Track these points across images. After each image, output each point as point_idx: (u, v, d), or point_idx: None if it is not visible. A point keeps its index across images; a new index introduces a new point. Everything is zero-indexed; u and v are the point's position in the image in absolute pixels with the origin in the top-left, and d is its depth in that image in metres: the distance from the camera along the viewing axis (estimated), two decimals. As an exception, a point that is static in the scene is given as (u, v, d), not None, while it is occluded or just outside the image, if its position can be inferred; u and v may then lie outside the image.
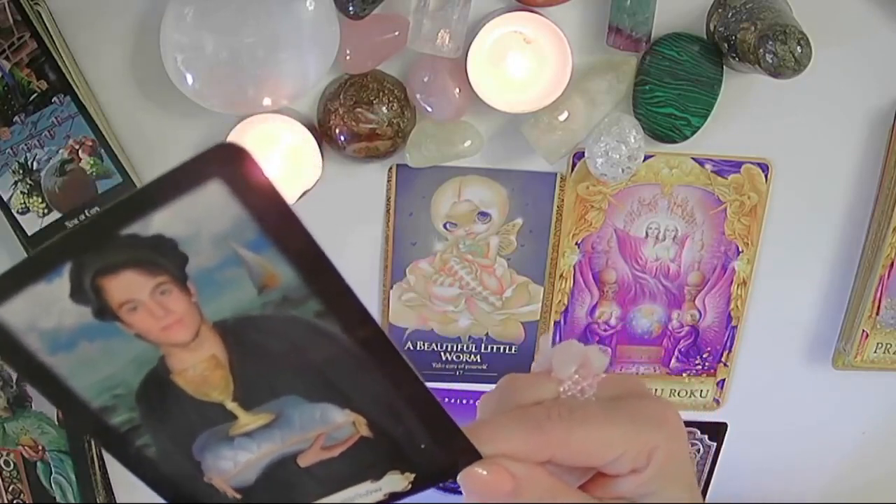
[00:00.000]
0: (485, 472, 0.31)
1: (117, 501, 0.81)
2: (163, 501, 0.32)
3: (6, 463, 0.79)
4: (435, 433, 0.31)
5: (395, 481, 0.32)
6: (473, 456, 0.31)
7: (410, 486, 0.32)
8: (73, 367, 0.28)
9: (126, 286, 0.26)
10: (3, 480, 0.80)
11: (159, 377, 0.29)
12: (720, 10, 0.66)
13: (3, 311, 0.26)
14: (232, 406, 0.30)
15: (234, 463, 0.31)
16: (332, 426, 0.31)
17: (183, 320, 0.28)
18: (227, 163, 0.25)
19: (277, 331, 0.28)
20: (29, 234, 0.67)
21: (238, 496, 0.32)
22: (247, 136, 0.67)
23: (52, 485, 0.80)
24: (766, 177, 0.74)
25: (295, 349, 0.29)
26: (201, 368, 0.29)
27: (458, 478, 0.32)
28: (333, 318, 0.28)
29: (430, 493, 0.33)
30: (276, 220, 0.26)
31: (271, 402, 0.30)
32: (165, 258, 0.26)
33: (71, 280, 0.26)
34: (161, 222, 0.25)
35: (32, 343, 0.27)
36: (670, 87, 0.67)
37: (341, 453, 0.32)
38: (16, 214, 0.66)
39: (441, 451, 0.31)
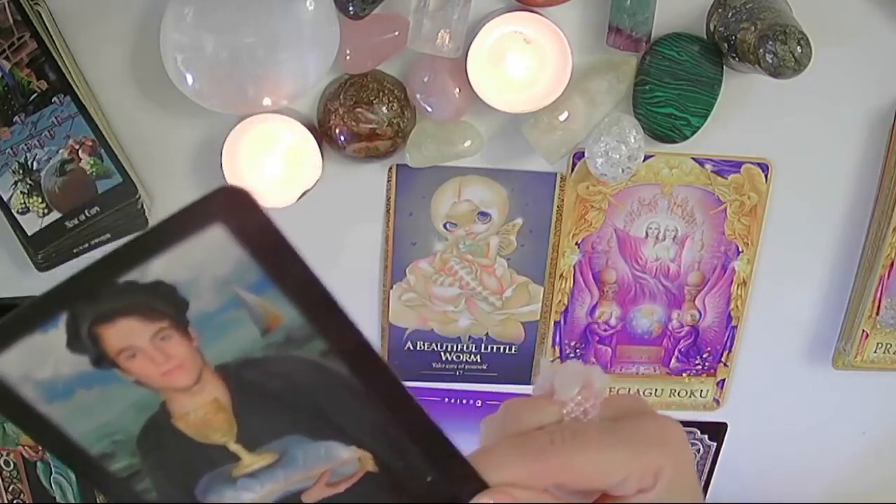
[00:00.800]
0: (490, 502, 0.31)
1: (117, 501, 0.81)
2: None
3: (6, 463, 0.79)
4: (440, 466, 0.31)
5: None
6: (479, 485, 0.31)
7: None
8: (71, 415, 0.27)
9: (124, 333, 0.26)
10: (3, 480, 0.80)
11: (160, 422, 0.28)
12: (720, 10, 0.66)
13: None
14: (235, 448, 0.30)
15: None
16: (337, 463, 0.31)
17: (184, 365, 0.27)
18: (229, 206, 0.25)
19: (280, 371, 0.28)
20: (29, 234, 0.67)
21: None
22: (247, 136, 0.67)
23: (52, 485, 0.80)
24: (766, 177, 0.74)
25: (298, 388, 0.29)
26: (203, 412, 0.29)
27: None
28: (338, 356, 0.28)
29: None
30: (279, 261, 0.26)
31: (275, 441, 0.30)
32: (165, 303, 0.26)
33: (67, 330, 0.26)
34: (160, 268, 0.25)
35: (28, 393, 0.26)
36: (670, 87, 0.67)
37: (346, 489, 0.31)
38: (16, 214, 0.66)
39: (446, 483, 0.31)
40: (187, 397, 0.28)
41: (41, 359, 0.26)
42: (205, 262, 0.25)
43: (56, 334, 0.25)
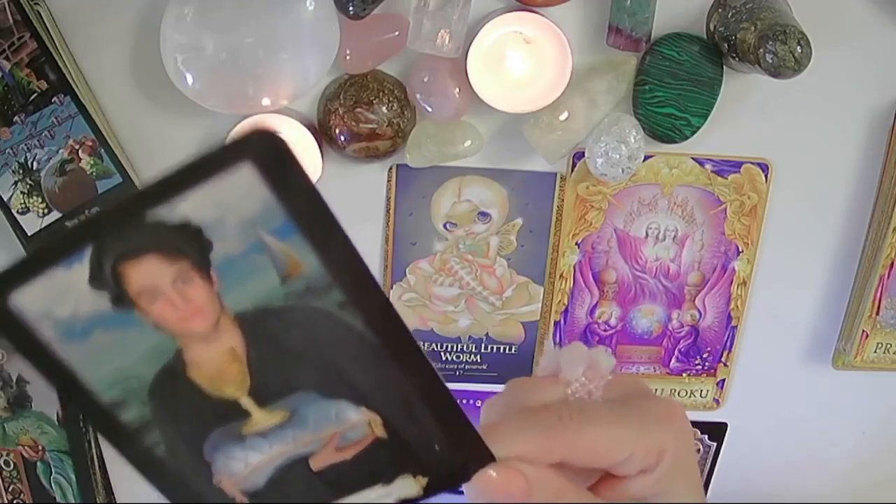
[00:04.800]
0: (497, 475, 0.31)
1: (117, 501, 0.81)
2: (165, 502, 0.31)
3: (6, 463, 0.79)
4: (450, 432, 0.31)
5: (408, 486, 0.32)
6: (487, 457, 0.31)
7: (422, 491, 0.32)
8: (86, 358, 0.27)
9: (147, 272, 0.26)
10: (3, 480, 0.80)
11: (174, 370, 0.28)
12: (720, 10, 0.66)
13: (19, 298, 0.25)
14: (246, 403, 0.29)
15: (244, 464, 0.31)
16: (346, 425, 0.30)
17: (203, 310, 0.27)
18: (261, 146, 0.25)
19: (298, 322, 0.28)
20: (29, 234, 0.67)
21: (246, 501, 0.31)
22: (247, 136, 0.67)
23: (52, 485, 0.80)
24: (766, 177, 0.74)
25: (314, 342, 0.28)
26: (218, 361, 0.28)
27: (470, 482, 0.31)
28: (355, 309, 0.27)
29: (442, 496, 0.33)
30: (305, 206, 0.25)
31: (286, 398, 0.30)
32: (190, 244, 0.25)
33: (91, 265, 0.25)
34: (188, 206, 0.25)
35: (46, 331, 0.26)
36: (670, 87, 0.67)
37: (354, 456, 0.31)
38: (16, 214, 0.66)
39: (455, 452, 0.31)
40: (203, 345, 0.28)
41: (62, 295, 0.25)
42: (232, 201, 0.25)
43: (79, 269, 0.25)
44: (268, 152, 0.25)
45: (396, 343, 0.29)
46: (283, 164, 0.25)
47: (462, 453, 0.31)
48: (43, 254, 0.25)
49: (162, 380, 0.28)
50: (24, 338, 0.26)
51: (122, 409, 0.28)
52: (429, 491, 0.32)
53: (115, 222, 0.25)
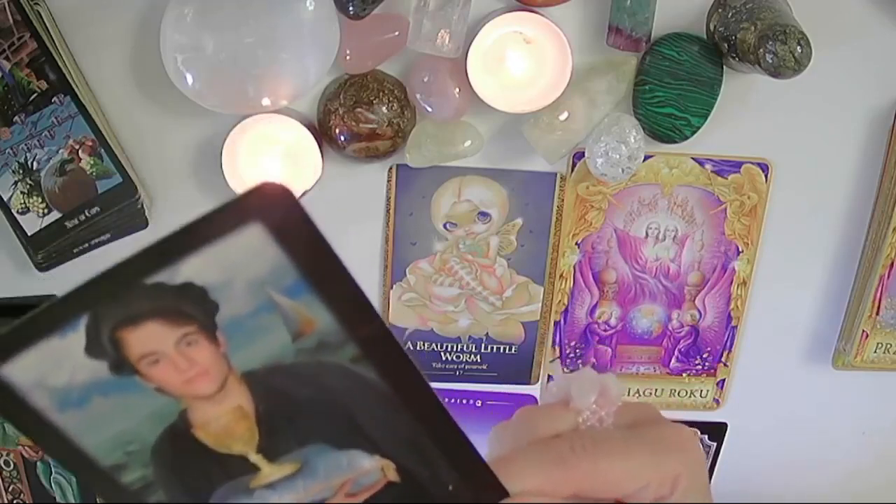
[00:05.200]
0: None
1: (117, 501, 0.81)
2: None
3: (6, 463, 0.79)
4: (463, 471, 0.30)
5: None
6: (500, 493, 0.30)
7: None
8: (84, 425, 0.25)
9: (148, 338, 0.24)
10: (3, 480, 0.80)
11: (178, 432, 0.27)
12: (720, 10, 0.66)
13: (10, 369, 0.24)
14: (255, 458, 0.28)
15: None
16: (359, 472, 0.30)
17: (209, 372, 0.26)
18: (269, 204, 0.23)
19: (309, 378, 0.27)
20: (29, 234, 0.67)
21: None
22: (246, 136, 0.67)
23: (52, 485, 0.80)
24: (766, 177, 0.74)
25: (326, 395, 0.28)
26: (225, 420, 0.27)
27: None
28: (369, 362, 0.27)
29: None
30: (318, 263, 0.24)
31: (296, 451, 0.29)
32: (194, 307, 0.24)
33: (87, 334, 0.24)
34: (191, 269, 0.23)
35: (40, 401, 0.24)
36: (670, 87, 0.67)
37: (366, 500, 0.30)
38: (16, 214, 0.66)
39: (468, 491, 0.31)
40: (210, 405, 0.27)
41: (57, 364, 0.24)
42: (240, 263, 0.24)
43: (75, 338, 0.24)
44: (277, 211, 0.23)
45: (409, 390, 0.28)
46: (294, 222, 0.24)
47: (475, 491, 0.31)
48: (35, 323, 0.24)
49: (165, 441, 0.27)
50: (16, 409, 0.25)
51: (123, 471, 0.27)
52: None
53: (111, 288, 0.23)
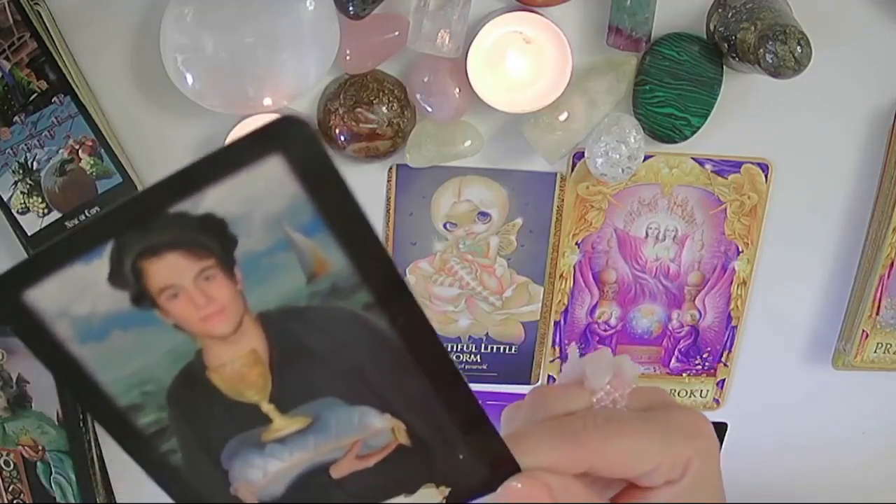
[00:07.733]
0: (522, 486, 0.30)
1: (117, 501, 0.81)
2: (163, 502, 0.30)
3: (6, 463, 0.79)
4: (475, 442, 0.30)
5: (430, 496, 0.31)
6: (511, 466, 0.30)
7: (445, 501, 0.31)
8: (103, 359, 0.25)
9: (168, 270, 0.24)
10: (3, 480, 0.80)
11: (194, 373, 0.27)
12: (720, 10, 0.66)
13: (35, 294, 0.24)
14: (268, 408, 0.28)
15: (263, 473, 0.29)
16: (369, 432, 0.29)
17: (226, 310, 0.26)
18: (290, 137, 0.23)
19: (322, 324, 0.27)
20: (29, 234, 0.67)
21: None
22: (247, 136, 0.67)
23: (52, 485, 0.80)
24: (766, 177, 0.74)
25: (338, 345, 0.27)
26: (239, 364, 0.27)
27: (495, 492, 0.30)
28: (382, 310, 0.26)
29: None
30: (334, 202, 0.24)
31: (309, 404, 0.28)
32: (213, 240, 0.24)
33: (111, 261, 0.24)
34: (213, 200, 0.23)
35: (62, 330, 0.25)
36: (670, 87, 0.67)
37: (376, 464, 0.30)
38: (16, 214, 0.66)
39: (479, 462, 0.30)
40: (224, 346, 0.26)
41: (80, 292, 0.24)
42: (259, 195, 0.24)
43: (99, 265, 0.24)
44: (298, 144, 0.23)
45: (422, 347, 0.28)
46: (315, 157, 0.24)
47: (487, 463, 0.30)
48: (61, 248, 0.24)
49: (181, 383, 0.27)
50: (38, 337, 0.25)
51: (139, 413, 0.27)
52: (451, 501, 0.31)
53: (136, 216, 0.23)
